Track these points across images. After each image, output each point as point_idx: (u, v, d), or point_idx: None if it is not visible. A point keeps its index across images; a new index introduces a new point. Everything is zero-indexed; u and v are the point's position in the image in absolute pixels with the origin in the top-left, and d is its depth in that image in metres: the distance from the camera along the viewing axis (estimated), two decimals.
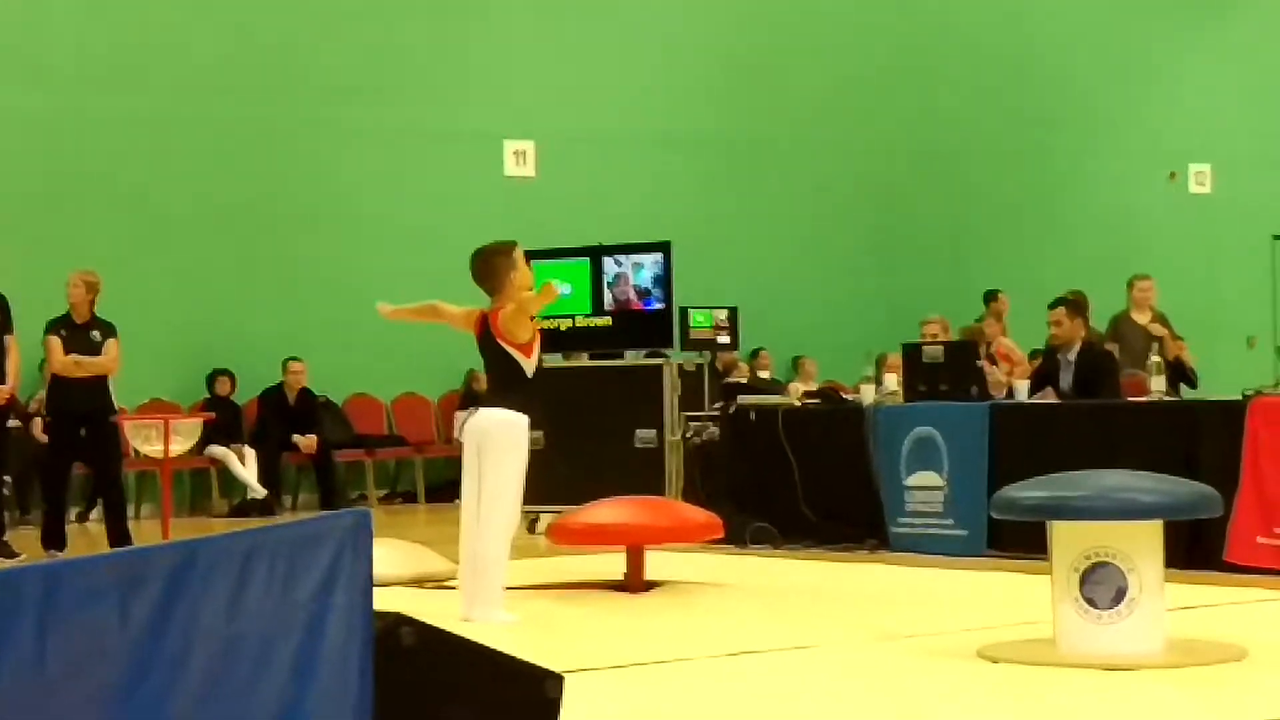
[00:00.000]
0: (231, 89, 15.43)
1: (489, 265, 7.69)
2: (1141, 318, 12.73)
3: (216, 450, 14.84)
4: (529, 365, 7.49)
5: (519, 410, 7.35)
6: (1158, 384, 9.64)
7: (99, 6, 15.11)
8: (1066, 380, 10.55)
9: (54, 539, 10.94)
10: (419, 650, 3.16)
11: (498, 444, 7.31)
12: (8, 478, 12.65)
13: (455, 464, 15.91)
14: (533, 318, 7.63)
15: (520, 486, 7.35)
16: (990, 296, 15.62)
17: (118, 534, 11.03)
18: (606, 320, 12.12)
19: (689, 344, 12.52)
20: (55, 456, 11.36)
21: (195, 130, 15.29)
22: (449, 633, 3.32)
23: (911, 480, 10.00)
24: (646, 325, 12.26)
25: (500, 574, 7.36)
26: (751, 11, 17.86)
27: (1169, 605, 6.07)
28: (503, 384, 7.52)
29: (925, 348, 10.76)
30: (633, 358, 12.27)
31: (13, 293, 11.00)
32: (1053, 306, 10.86)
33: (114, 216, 14.91)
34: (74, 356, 11.03)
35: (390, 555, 8.31)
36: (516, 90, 16.62)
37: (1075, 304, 10.95)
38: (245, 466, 15.00)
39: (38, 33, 14.85)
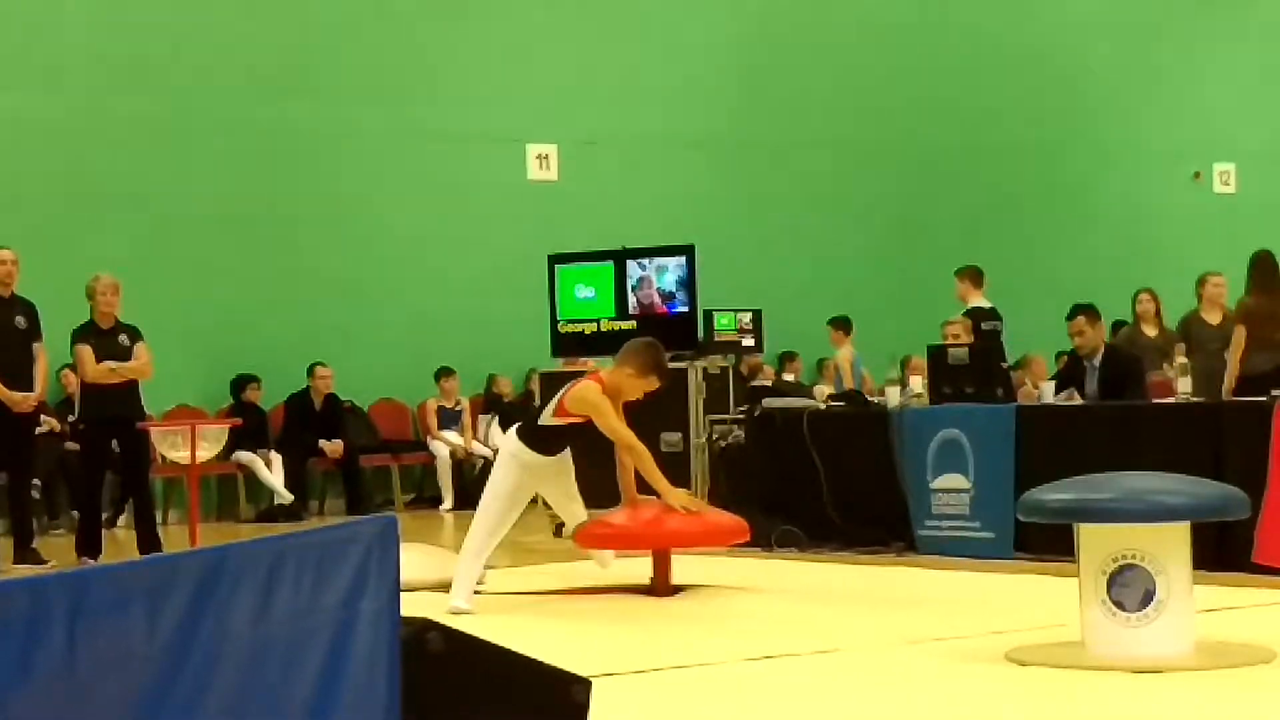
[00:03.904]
0: (251, 92, 15.46)
1: (626, 354, 8.24)
2: (1213, 318, 12.33)
3: (243, 456, 14.88)
4: (550, 420, 8.07)
5: (521, 440, 8.04)
6: (1184, 385, 9.61)
7: (113, 10, 15.14)
8: (1092, 385, 10.52)
9: (89, 546, 10.96)
10: (446, 655, 3.17)
11: (497, 462, 8.20)
12: (37, 480, 12.68)
13: (482, 468, 16.00)
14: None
15: (497, 503, 7.98)
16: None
17: (147, 540, 11.07)
18: (630, 324, 12.10)
19: (713, 347, 12.52)
20: (90, 464, 11.38)
21: (214, 134, 15.32)
22: (476, 638, 3.33)
23: (938, 483, 9.98)
24: (670, 328, 12.24)
25: (466, 569, 7.92)
26: (771, 13, 17.86)
27: (1197, 607, 6.05)
28: (528, 418, 8.35)
29: (950, 350, 10.73)
30: None
31: (31, 298, 11.04)
32: (1070, 317, 10.82)
33: (133, 221, 14.93)
34: (108, 364, 11.03)
35: (417, 560, 8.32)
36: (539, 94, 16.64)
37: (1094, 310, 10.91)
38: (272, 472, 15.04)
39: (52, 37, 14.88)
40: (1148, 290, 13.34)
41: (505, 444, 8.22)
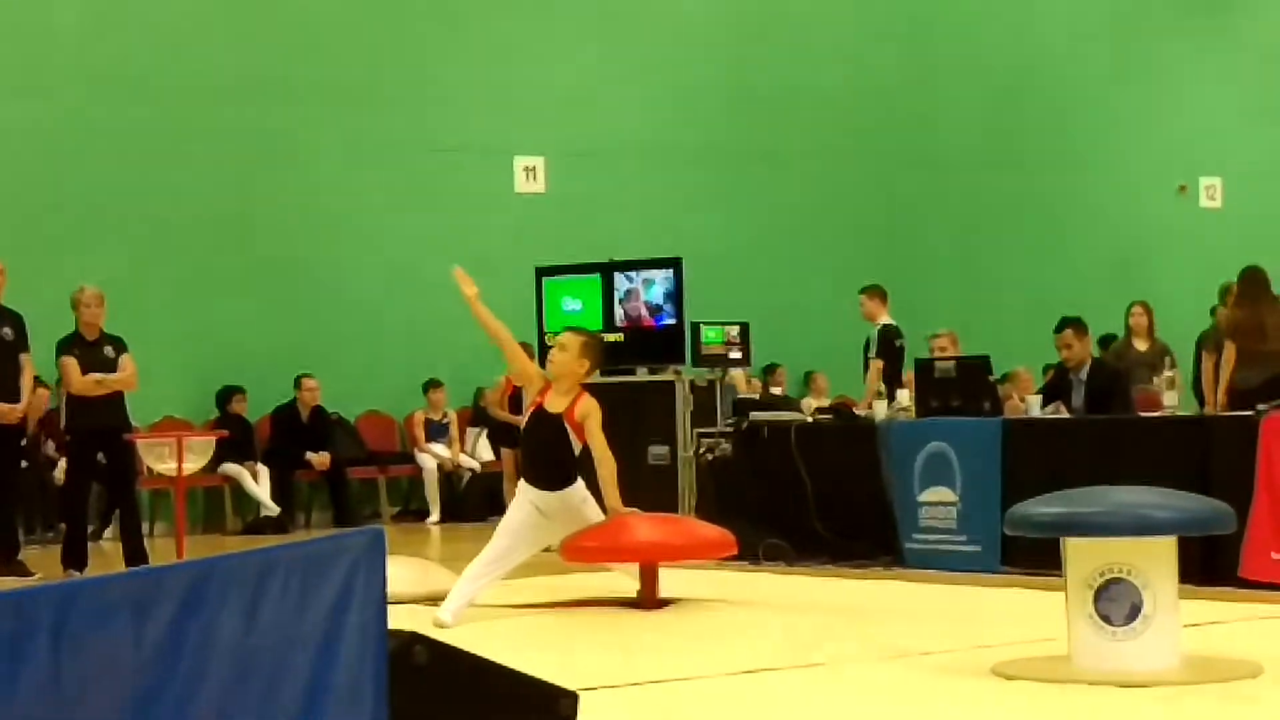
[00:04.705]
0: (240, 103, 15.45)
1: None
2: None
3: (230, 468, 14.85)
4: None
5: (521, 473, 8.42)
6: (1170, 399, 9.62)
7: (103, 18, 15.13)
8: (1078, 399, 10.54)
9: (74, 558, 10.93)
10: (432, 668, 3.16)
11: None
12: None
13: (469, 480, 15.99)
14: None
15: (504, 535, 8.07)
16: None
17: (133, 552, 11.04)
18: (618, 336, 12.12)
19: (701, 360, 12.52)
20: (75, 476, 11.35)
21: (201, 143, 15.30)
22: (462, 651, 3.32)
23: (925, 496, 9.98)
24: (658, 341, 12.26)
25: (461, 587, 7.97)
26: (760, 25, 17.88)
27: (1183, 621, 6.06)
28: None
29: (937, 363, 10.75)
30: (644, 374, 12.27)
31: (17, 308, 11.01)
32: (1058, 330, 10.84)
33: (120, 231, 14.91)
34: (94, 376, 11.00)
35: (403, 573, 8.31)
36: (526, 106, 16.65)
37: (1081, 324, 10.94)
38: (258, 484, 15.01)
39: (40, 48, 14.87)
40: (1141, 303, 13.33)
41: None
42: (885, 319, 13.40)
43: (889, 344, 13.12)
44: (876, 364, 13.03)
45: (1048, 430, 9.91)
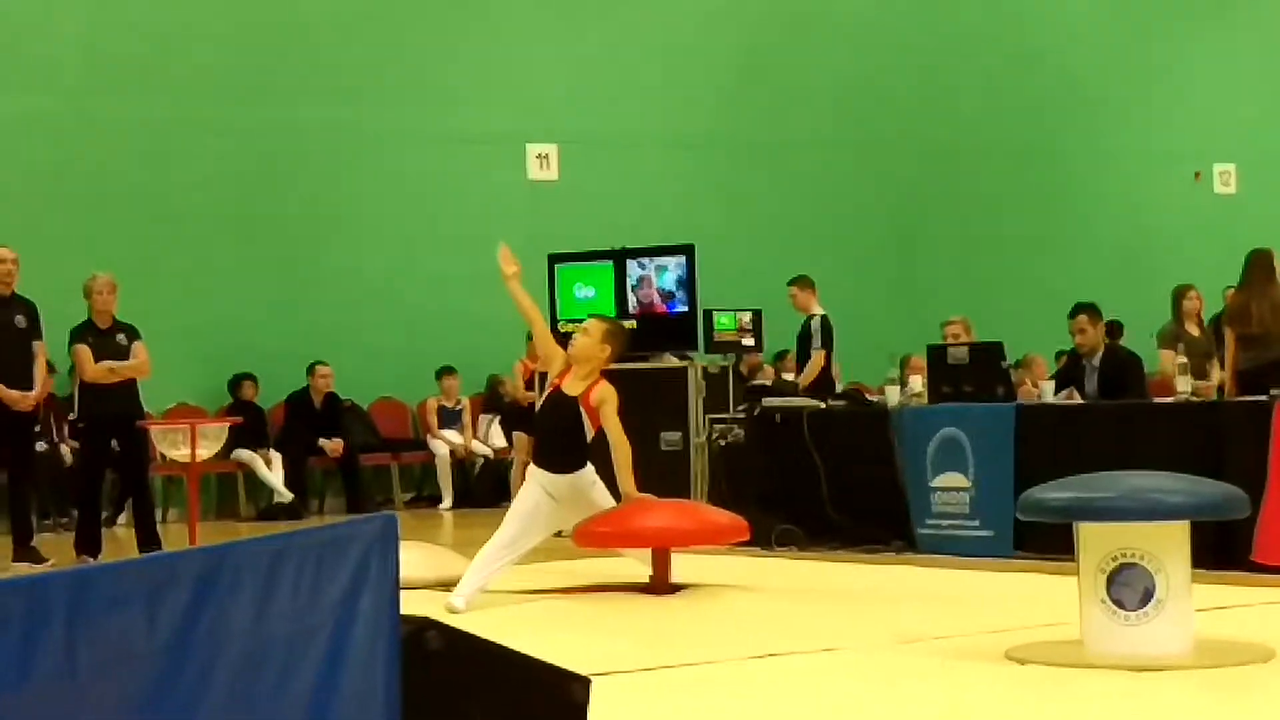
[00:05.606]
0: (252, 91, 15.47)
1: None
2: None
3: (243, 454, 14.88)
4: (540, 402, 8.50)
5: (533, 459, 8.36)
6: (1183, 384, 9.61)
7: (110, 10, 15.14)
8: (1091, 385, 10.53)
9: (88, 545, 10.96)
10: (445, 654, 3.16)
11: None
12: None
13: (483, 467, 16.01)
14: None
15: (515, 520, 8.05)
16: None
17: (147, 538, 11.07)
18: (630, 323, 12.11)
19: (713, 346, 12.51)
20: (89, 463, 11.38)
21: (213, 133, 15.32)
22: (475, 636, 3.33)
23: (937, 481, 9.99)
24: (670, 328, 12.26)
25: (474, 573, 7.95)
26: (770, 12, 17.87)
27: (1196, 606, 6.05)
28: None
29: (950, 349, 10.74)
30: (657, 361, 12.27)
31: (30, 296, 11.02)
32: (1072, 315, 10.82)
33: (132, 220, 14.94)
34: (107, 363, 11.03)
35: (416, 559, 8.34)
36: (539, 93, 16.64)
37: (1095, 309, 10.92)
38: (271, 471, 15.04)
39: (48, 36, 14.89)
40: (1191, 286, 13.13)
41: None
42: (818, 309, 13.36)
43: (829, 334, 13.14)
44: (820, 354, 13.06)
45: (1061, 416, 9.91)
